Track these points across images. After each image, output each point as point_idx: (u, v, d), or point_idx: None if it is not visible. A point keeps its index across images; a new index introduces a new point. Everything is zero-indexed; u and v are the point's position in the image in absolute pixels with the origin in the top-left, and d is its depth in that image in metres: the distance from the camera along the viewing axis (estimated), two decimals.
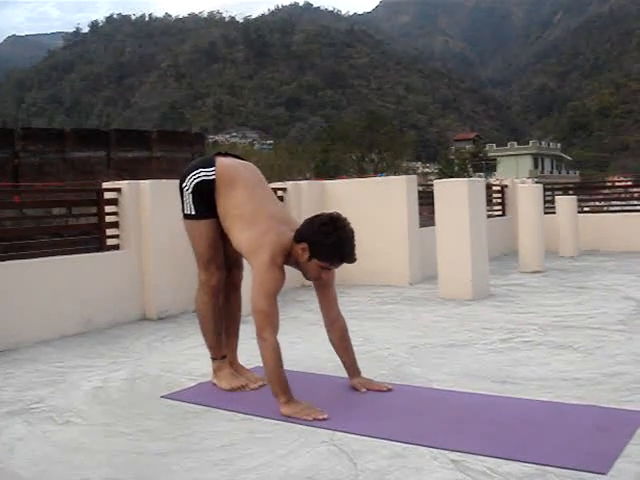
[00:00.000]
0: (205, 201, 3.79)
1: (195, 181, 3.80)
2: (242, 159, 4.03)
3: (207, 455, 2.92)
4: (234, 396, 3.84)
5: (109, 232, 6.71)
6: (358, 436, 3.06)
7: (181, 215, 3.98)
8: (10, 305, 5.59)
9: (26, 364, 4.89)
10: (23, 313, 5.67)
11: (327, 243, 3.41)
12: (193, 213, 3.86)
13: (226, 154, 3.99)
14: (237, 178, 3.74)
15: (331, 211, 3.58)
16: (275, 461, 2.82)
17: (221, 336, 4.13)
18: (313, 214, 3.63)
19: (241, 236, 3.63)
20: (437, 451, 2.84)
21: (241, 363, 4.22)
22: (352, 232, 3.48)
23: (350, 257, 3.48)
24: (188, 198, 3.86)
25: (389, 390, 3.75)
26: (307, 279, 3.72)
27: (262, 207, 3.69)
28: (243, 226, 3.63)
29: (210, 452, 2.95)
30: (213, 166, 3.78)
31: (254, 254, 3.53)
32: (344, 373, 3.92)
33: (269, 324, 3.47)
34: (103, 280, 6.40)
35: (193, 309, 6.90)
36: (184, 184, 3.87)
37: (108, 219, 6.71)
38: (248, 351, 4.40)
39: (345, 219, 3.50)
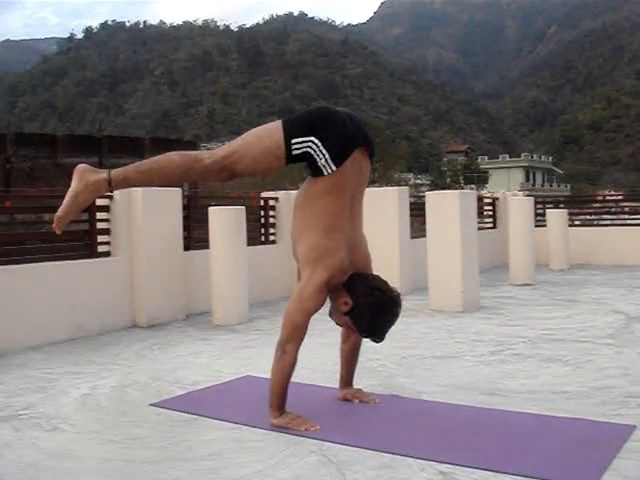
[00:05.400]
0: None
1: (310, 151, 3.31)
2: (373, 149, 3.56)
3: (195, 464, 2.91)
4: (223, 405, 3.83)
5: (100, 239, 6.70)
6: (347, 446, 3.06)
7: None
8: None
9: (15, 370, 4.87)
10: (12, 319, 5.65)
11: (369, 320, 3.32)
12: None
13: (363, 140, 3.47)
14: (344, 188, 3.37)
15: (393, 289, 3.40)
16: (264, 471, 2.81)
17: None
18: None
19: (310, 234, 3.36)
20: (425, 462, 2.84)
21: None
22: (397, 318, 3.38)
23: (379, 339, 3.41)
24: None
25: (377, 402, 3.75)
26: (330, 316, 3.56)
27: (345, 225, 3.41)
28: (318, 226, 3.35)
29: (198, 461, 2.95)
30: (339, 166, 3.32)
31: (314, 264, 3.31)
32: (333, 383, 3.92)
33: (296, 339, 3.31)
34: (93, 287, 6.39)
35: (182, 317, 6.93)
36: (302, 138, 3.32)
37: (99, 226, 6.70)
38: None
39: (400, 305, 3.38)
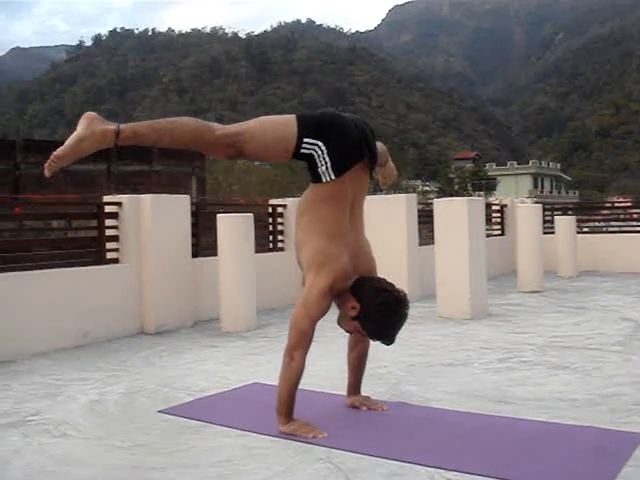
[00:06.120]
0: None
1: (316, 155, 3.35)
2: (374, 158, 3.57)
3: (203, 471, 2.91)
4: (231, 412, 3.83)
5: (109, 245, 6.72)
6: (355, 454, 3.05)
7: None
8: (8, 317, 5.59)
9: (23, 376, 4.88)
10: (21, 325, 5.67)
11: (378, 322, 3.31)
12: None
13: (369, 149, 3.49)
14: (344, 196, 3.40)
15: (399, 289, 3.41)
16: (271, 478, 2.81)
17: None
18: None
19: (312, 240, 3.39)
20: (434, 470, 2.84)
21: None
22: (406, 318, 3.38)
23: (390, 341, 3.40)
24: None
25: (385, 410, 3.75)
26: (339, 324, 3.54)
27: (347, 230, 3.43)
28: (320, 232, 3.38)
29: (206, 468, 2.95)
30: (338, 177, 3.36)
31: (317, 269, 3.33)
32: (341, 391, 3.92)
33: (303, 345, 3.31)
34: (102, 293, 6.40)
35: (190, 324, 6.93)
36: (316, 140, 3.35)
37: (108, 233, 6.72)
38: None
39: (407, 304, 3.37)
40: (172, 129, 3.28)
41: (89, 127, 3.16)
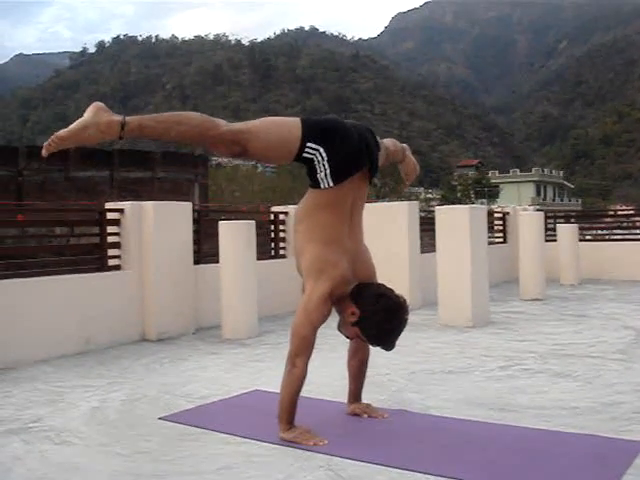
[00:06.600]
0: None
1: (317, 161, 3.34)
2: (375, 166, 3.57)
3: (203, 478, 2.91)
4: (232, 419, 3.83)
5: (111, 252, 6.73)
6: (355, 461, 3.05)
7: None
8: (10, 323, 5.59)
9: (25, 383, 4.89)
10: (23, 332, 5.68)
11: (378, 327, 3.32)
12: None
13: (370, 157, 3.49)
14: (342, 203, 3.42)
15: (399, 294, 3.43)
16: None
17: None
18: None
19: (311, 247, 3.40)
20: (434, 478, 2.83)
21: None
22: (406, 324, 3.39)
23: (389, 347, 3.41)
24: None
25: (385, 417, 3.74)
26: (339, 330, 3.56)
27: (345, 237, 3.44)
28: (318, 239, 3.39)
29: (207, 475, 2.95)
30: (336, 184, 3.38)
31: (316, 275, 3.34)
32: (342, 398, 3.92)
33: (305, 352, 3.32)
34: (103, 300, 6.41)
35: (192, 331, 6.93)
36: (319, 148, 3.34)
37: (110, 239, 6.73)
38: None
39: (407, 310, 3.38)
40: (178, 123, 3.25)
41: (95, 116, 3.12)
